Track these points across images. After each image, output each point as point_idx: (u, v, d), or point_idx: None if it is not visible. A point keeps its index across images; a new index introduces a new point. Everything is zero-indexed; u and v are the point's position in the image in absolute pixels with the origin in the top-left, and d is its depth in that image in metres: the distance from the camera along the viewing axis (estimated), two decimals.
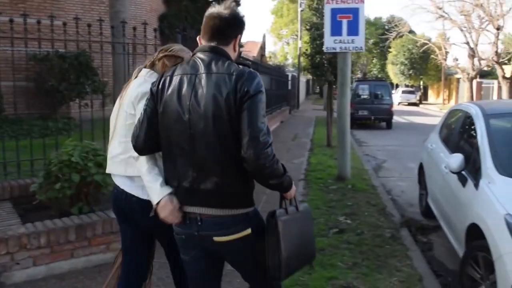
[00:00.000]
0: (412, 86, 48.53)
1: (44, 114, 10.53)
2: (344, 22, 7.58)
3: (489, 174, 3.93)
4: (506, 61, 28.21)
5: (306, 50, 12.39)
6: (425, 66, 42.49)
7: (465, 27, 28.73)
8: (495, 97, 32.06)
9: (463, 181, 4.31)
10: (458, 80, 39.30)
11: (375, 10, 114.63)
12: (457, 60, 33.59)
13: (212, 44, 2.23)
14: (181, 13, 17.25)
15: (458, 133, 5.36)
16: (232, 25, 2.28)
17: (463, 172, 4.35)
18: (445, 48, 34.66)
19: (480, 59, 29.49)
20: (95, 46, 5.68)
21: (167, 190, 2.24)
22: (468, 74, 30.97)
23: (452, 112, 6.15)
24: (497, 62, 26.28)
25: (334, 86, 11.75)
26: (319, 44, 10.68)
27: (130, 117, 2.56)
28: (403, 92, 43.95)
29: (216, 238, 2.19)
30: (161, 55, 2.71)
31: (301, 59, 21.72)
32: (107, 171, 2.78)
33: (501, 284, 3.26)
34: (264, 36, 48.54)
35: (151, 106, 2.28)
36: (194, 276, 2.42)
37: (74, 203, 4.54)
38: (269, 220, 2.25)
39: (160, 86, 2.26)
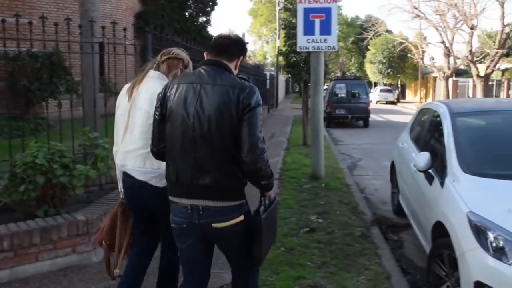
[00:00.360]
0: (390, 85, 49.03)
1: (16, 114, 10.34)
2: (317, 22, 7.60)
3: (454, 172, 3.97)
4: (480, 60, 28.67)
5: (281, 49, 12.41)
6: (402, 65, 42.94)
7: (440, 26, 29.11)
8: (470, 95, 32.56)
9: (430, 180, 4.36)
10: (434, 78, 39.84)
11: (352, 9, 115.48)
12: (433, 59, 34.06)
13: (215, 59, 2.59)
14: (158, 11, 17.12)
15: (426, 131, 5.41)
16: (237, 46, 2.66)
17: (430, 171, 4.40)
18: (421, 47, 35.06)
19: (455, 58, 29.92)
20: (65, 46, 5.59)
21: None
22: (444, 73, 31.40)
23: (421, 111, 6.21)
24: (472, 61, 26.69)
25: (309, 85, 11.78)
26: (294, 43, 10.69)
27: (152, 117, 2.71)
28: (381, 90, 44.37)
29: (214, 225, 2.52)
30: (164, 57, 3.01)
31: (280, 58, 21.73)
32: (119, 162, 3.03)
33: (464, 281, 3.30)
34: (243, 35, 48.50)
35: (159, 112, 2.60)
36: (188, 263, 2.75)
37: (40, 206, 4.45)
38: (255, 218, 2.61)
39: (167, 94, 2.57)
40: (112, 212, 3.20)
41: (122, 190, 3.17)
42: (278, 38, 28.83)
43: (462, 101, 8.20)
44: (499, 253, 3.10)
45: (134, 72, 6.18)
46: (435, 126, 5.05)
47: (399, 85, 50.17)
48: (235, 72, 2.65)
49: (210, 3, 18.83)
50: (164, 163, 2.64)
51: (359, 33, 46.23)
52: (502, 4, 24.66)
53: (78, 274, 4.10)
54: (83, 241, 4.30)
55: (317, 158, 8.11)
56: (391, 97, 43.57)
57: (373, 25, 36.33)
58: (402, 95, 49.89)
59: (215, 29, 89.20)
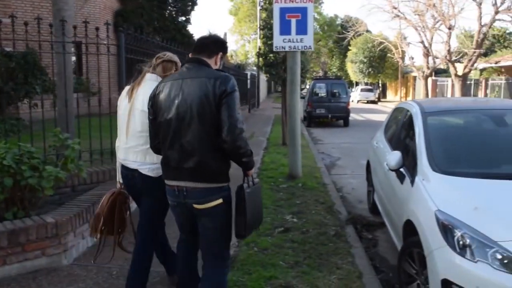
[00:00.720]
0: (371, 84, 49.40)
1: None
2: (293, 21, 7.60)
3: (424, 171, 4.00)
4: (459, 60, 29.04)
5: (260, 49, 12.41)
6: (383, 64, 43.30)
7: (419, 26, 29.39)
8: (449, 94, 32.95)
9: (401, 178, 4.39)
10: (414, 78, 40.23)
11: (332, 9, 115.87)
12: (412, 58, 34.39)
13: (196, 57, 2.97)
14: (138, 10, 16.98)
15: (399, 131, 5.45)
16: (215, 43, 3.05)
17: (401, 170, 4.43)
18: (401, 47, 35.37)
19: (434, 57, 30.25)
20: (43, 45, 5.51)
21: None
22: (424, 72, 31.73)
23: (395, 110, 6.26)
24: (450, 61, 27.01)
25: None
26: (272, 44, 10.69)
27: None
28: (362, 90, 44.70)
29: (195, 205, 2.88)
30: (159, 60, 3.33)
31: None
32: (121, 157, 3.44)
33: (432, 279, 3.32)
34: (225, 35, 48.34)
35: (151, 112, 3.00)
36: (181, 229, 3.26)
37: (8, 208, 4.37)
38: (238, 192, 2.96)
39: (156, 94, 2.97)
40: (111, 200, 3.54)
41: (121, 180, 3.55)
42: (260, 38, 28.82)
43: (435, 100, 8.27)
44: (465, 251, 3.13)
45: (111, 72, 6.13)
46: (408, 125, 5.08)
47: (380, 85, 50.57)
48: (216, 66, 3.01)
49: (190, 3, 18.75)
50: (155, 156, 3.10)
51: (339, 33, 46.47)
52: (479, 5, 25.00)
53: (48, 277, 4.04)
54: (52, 244, 4.23)
55: (294, 158, 8.12)
56: (372, 96, 43.92)
57: (353, 24, 36.53)
58: (383, 94, 50.33)
59: (195, 28, 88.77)
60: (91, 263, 4.33)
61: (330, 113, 19.62)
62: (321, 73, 63.87)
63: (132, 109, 3.30)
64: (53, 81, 9.70)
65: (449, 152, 4.34)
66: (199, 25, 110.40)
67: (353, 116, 23.65)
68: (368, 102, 42.84)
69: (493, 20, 25.24)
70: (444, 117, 5.01)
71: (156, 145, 3.04)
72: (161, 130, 2.92)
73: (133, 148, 3.30)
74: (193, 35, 18.31)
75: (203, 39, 3.07)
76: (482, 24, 25.41)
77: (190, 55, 2.99)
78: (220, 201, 2.86)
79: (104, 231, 3.60)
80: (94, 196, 5.10)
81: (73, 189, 5.47)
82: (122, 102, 3.45)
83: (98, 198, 5.00)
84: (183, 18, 18.52)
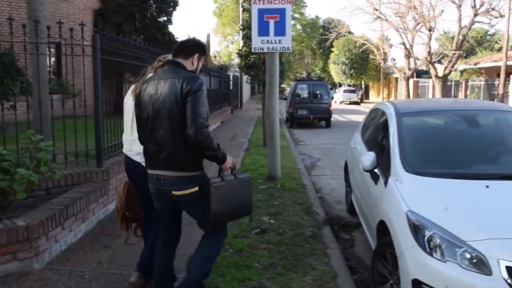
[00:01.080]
0: (353, 85, 49.67)
1: None
2: (271, 23, 7.60)
3: (397, 172, 4.03)
4: (439, 61, 29.37)
5: (239, 50, 12.40)
6: (365, 66, 43.57)
7: (401, 28, 29.67)
8: (430, 95, 33.28)
9: (375, 179, 4.41)
10: (396, 79, 40.58)
11: (314, 11, 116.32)
12: (394, 60, 34.70)
13: (174, 59, 3.31)
14: (118, 10, 16.83)
15: (375, 131, 5.48)
16: (191, 45, 3.38)
17: (376, 170, 4.45)
18: (383, 49, 35.65)
19: (415, 59, 30.55)
20: (19, 46, 5.44)
21: None
22: (405, 73, 32.02)
23: (372, 111, 6.29)
24: (430, 62, 27.30)
25: None
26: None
27: None
28: (345, 91, 44.97)
29: (174, 192, 3.18)
30: (160, 63, 3.47)
31: (239, 60, 21.81)
32: (127, 148, 3.76)
33: (403, 279, 3.34)
34: (208, 36, 48.13)
35: (136, 107, 3.34)
36: (162, 217, 3.48)
37: None
38: (204, 185, 3.18)
39: (141, 92, 3.31)
40: (126, 188, 3.80)
41: None
42: (241, 39, 28.81)
43: (411, 101, 8.35)
44: (435, 251, 3.15)
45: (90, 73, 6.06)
46: (383, 126, 5.12)
47: (362, 86, 50.90)
48: (192, 67, 3.33)
49: (172, 3, 18.63)
50: None
51: (322, 34, 46.68)
52: (459, 7, 25.32)
53: (19, 282, 3.97)
54: (23, 248, 4.16)
55: (273, 159, 8.11)
56: (355, 97, 44.22)
57: (335, 26, 36.72)
58: (366, 95, 50.67)
59: (178, 29, 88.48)
60: (63, 267, 4.30)
61: (312, 114, 19.68)
62: (304, 74, 64.05)
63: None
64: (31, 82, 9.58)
65: (422, 153, 4.37)
66: (181, 25, 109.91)
67: (335, 117, 23.78)
68: (351, 103, 43.10)
69: (472, 22, 25.59)
70: (418, 118, 5.05)
71: (140, 137, 3.37)
72: (142, 124, 3.28)
73: (136, 140, 3.51)
74: (175, 36, 18.19)
75: (181, 42, 3.43)
76: (462, 26, 25.75)
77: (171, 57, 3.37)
78: (196, 189, 3.17)
79: (130, 218, 3.86)
80: (68, 199, 5.04)
81: (48, 192, 5.38)
82: (128, 100, 3.78)
83: (72, 201, 4.96)
84: (165, 19, 18.39)
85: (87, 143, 5.99)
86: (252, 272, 4.15)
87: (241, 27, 12.73)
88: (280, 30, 7.61)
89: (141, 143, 3.37)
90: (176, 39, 18.59)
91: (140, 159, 3.56)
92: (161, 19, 18.41)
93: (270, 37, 7.63)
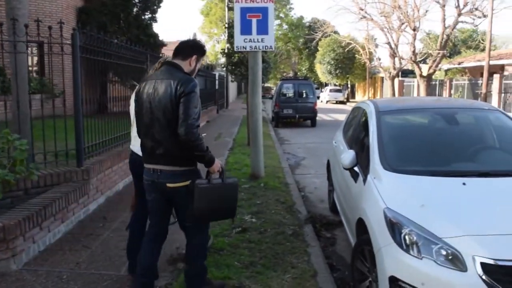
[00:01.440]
0: (340, 85, 49.87)
1: None
2: (254, 21, 7.58)
3: (376, 169, 4.04)
4: (424, 60, 29.60)
5: (223, 49, 12.37)
6: (351, 65, 43.75)
7: (386, 28, 29.82)
8: (415, 94, 33.52)
9: (355, 177, 4.42)
10: (382, 79, 40.79)
11: (299, 11, 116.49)
12: (379, 59, 34.84)
13: (171, 60, 3.54)
14: (101, 9, 16.67)
15: (355, 130, 5.50)
16: (190, 47, 3.57)
17: (355, 168, 4.46)
18: (368, 48, 35.82)
19: (400, 58, 30.74)
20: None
21: None
22: (390, 73, 32.20)
23: (354, 110, 6.31)
24: (415, 62, 27.50)
25: None
26: None
27: None
28: (331, 90, 45.15)
29: (168, 184, 3.37)
30: (160, 64, 3.68)
31: (223, 58, 21.74)
32: (132, 144, 4.01)
33: (380, 276, 3.35)
34: (194, 35, 48.12)
35: (136, 104, 3.53)
36: (152, 211, 3.61)
37: None
38: (191, 186, 3.35)
39: (140, 90, 3.49)
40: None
41: None
42: (227, 38, 28.76)
43: (392, 100, 8.38)
44: (412, 248, 3.16)
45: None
46: (363, 124, 5.13)
47: (349, 85, 51.11)
48: (190, 68, 3.52)
49: (156, 1, 18.48)
50: None
51: (307, 34, 46.79)
52: (443, 7, 25.54)
53: None
54: (0, 248, 4.10)
55: (256, 158, 8.11)
56: (341, 96, 44.40)
57: (321, 25, 36.81)
58: (352, 95, 50.89)
59: (162, 27, 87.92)
60: (41, 267, 4.25)
61: (297, 114, 19.72)
62: (291, 74, 64.15)
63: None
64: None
65: (401, 151, 4.39)
66: (167, 24, 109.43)
67: (321, 116, 23.86)
68: (337, 102, 43.28)
69: (456, 22, 25.82)
70: (398, 116, 5.08)
71: (138, 133, 3.57)
72: (140, 121, 3.48)
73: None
74: (159, 36, 18.04)
75: (180, 43, 3.59)
76: (446, 26, 25.98)
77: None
78: (188, 182, 3.36)
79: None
80: (47, 199, 4.98)
81: (26, 192, 5.32)
82: (133, 99, 3.88)
83: (51, 201, 4.90)
84: (149, 16, 18.24)
85: (67, 143, 5.92)
86: (232, 271, 4.14)
87: (226, 26, 12.67)
88: (263, 28, 7.59)
89: (139, 138, 3.57)
90: (161, 40, 18.45)
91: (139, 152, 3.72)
92: (145, 17, 18.24)
93: (252, 35, 7.62)
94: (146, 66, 9.03)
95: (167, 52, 15.44)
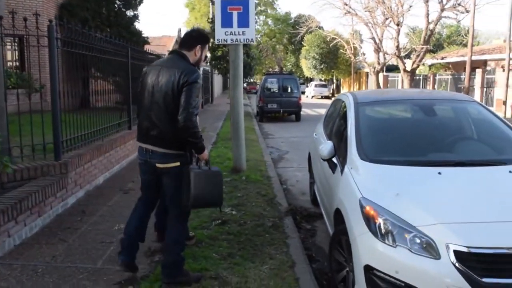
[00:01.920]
0: (325, 80, 50.02)
1: None
2: (235, 14, 7.55)
3: (353, 160, 4.04)
4: (408, 55, 29.80)
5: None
6: (336, 60, 43.87)
7: (370, 23, 29.93)
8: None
9: (333, 168, 4.42)
10: (367, 74, 40.99)
11: (285, 6, 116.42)
12: (364, 55, 34.98)
13: (177, 49, 3.76)
14: (83, 4, 16.47)
15: (335, 121, 5.50)
16: (193, 37, 3.78)
17: (334, 159, 4.47)
18: (353, 43, 35.93)
19: (385, 53, 30.89)
20: None
21: None
22: (375, 68, 32.35)
23: (334, 102, 6.32)
24: (398, 56, 27.66)
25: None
26: None
27: None
28: (316, 85, 45.27)
29: (158, 165, 3.64)
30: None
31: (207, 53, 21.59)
32: None
33: (356, 265, 3.36)
34: (179, 30, 47.76)
35: (140, 85, 3.81)
36: (143, 188, 3.96)
37: None
38: (185, 170, 3.62)
39: (144, 74, 3.77)
40: None
41: None
42: (210, 32, 28.61)
43: (371, 92, 8.42)
44: (386, 237, 3.17)
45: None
46: (342, 116, 5.14)
47: (334, 80, 51.28)
48: (195, 58, 3.75)
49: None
50: None
51: (293, 28, 46.81)
52: (426, 2, 25.69)
53: None
54: None
55: (238, 151, 8.08)
56: (326, 91, 44.55)
57: (306, 20, 36.83)
58: (337, 90, 51.06)
59: (146, 22, 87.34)
60: (16, 261, 4.19)
61: (282, 108, 19.75)
62: (277, 69, 64.17)
63: None
64: None
65: (378, 141, 4.41)
66: (151, 19, 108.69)
67: (305, 111, 23.91)
68: (322, 97, 43.41)
69: (439, 18, 26.01)
70: (376, 107, 5.09)
71: (138, 113, 3.88)
72: (141, 103, 3.73)
73: None
74: (142, 33, 17.85)
75: (185, 34, 3.82)
76: (429, 21, 26.15)
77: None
78: (177, 163, 3.60)
79: None
80: (23, 192, 4.91)
81: (2, 186, 5.24)
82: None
83: (27, 194, 4.84)
84: (131, 14, 18.05)
85: (44, 137, 5.84)
86: (209, 263, 4.12)
87: (209, 20, 12.60)
88: (244, 21, 7.56)
89: (138, 118, 3.86)
90: (144, 38, 18.26)
91: None
92: (128, 14, 18.06)
93: (233, 28, 7.58)
94: (127, 59, 8.95)
95: (152, 47, 15.34)
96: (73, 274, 3.96)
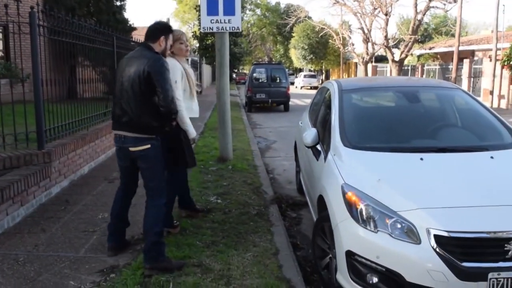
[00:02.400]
0: (314, 71, 49.99)
1: None
2: (220, 2, 7.47)
3: (336, 146, 4.04)
4: (396, 46, 29.84)
5: (194, 32, 12.22)
6: (324, 51, 43.83)
7: (359, 13, 29.90)
8: None
9: (317, 155, 4.42)
10: (356, 64, 41.04)
11: None
12: (353, 45, 34.94)
13: (144, 41, 3.95)
14: None
15: (320, 109, 5.49)
16: (157, 30, 3.95)
17: (317, 146, 4.46)
18: (342, 34, 35.89)
19: (373, 43, 30.90)
20: None
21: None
22: (363, 58, 32.37)
23: (319, 90, 6.30)
24: (387, 46, 27.69)
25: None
26: None
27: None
28: (305, 76, 45.19)
29: (131, 148, 3.80)
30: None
31: (194, 41, 21.38)
32: None
33: (338, 251, 3.37)
34: (168, 20, 47.38)
35: (116, 75, 4.00)
36: (122, 173, 4.14)
37: None
38: (179, 138, 4.33)
39: (118, 65, 4.03)
40: None
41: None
42: (198, 21, 28.41)
43: (356, 79, 8.41)
44: (368, 222, 3.18)
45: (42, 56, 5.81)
46: (326, 103, 5.12)
47: (323, 71, 51.28)
48: (160, 48, 3.91)
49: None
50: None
51: (282, 19, 46.65)
52: None
53: None
54: None
55: (224, 140, 8.05)
56: (315, 82, 44.50)
57: (294, 10, 36.70)
58: (327, 80, 51.08)
59: (135, 14, 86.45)
60: None
61: (270, 98, 19.70)
62: (267, 59, 64.01)
63: None
64: None
65: (362, 128, 4.40)
66: (140, 9, 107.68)
67: (294, 101, 23.91)
68: (311, 88, 43.35)
69: (428, 7, 26.05)
70: (360, 95, 5.09)
71: (112, 101, 4.09)
72: (114, 92, 3.94)
73: None
74: (129, 20, 17.69)
75: (148, 28, 3.97)
76: (418, 11, 26.18)
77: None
78: (148, 146, 3.76)
79: None
80: (5, 181, 4.85)
81: None
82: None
83: (9, 183, 4.78)
84: (119, 4, 17.85)
85: (27, 126, 5.77)
86: (192, 250, 4.10)
87: (197, 9, 12.49)
88: (229, 9, 7.50)
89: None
90: (131, 25, 18.11)
91: None
92: (115, 3, 17.87)
93: (219, 16, 7.52)
94: (113, 48, 8.86)
95: (140, 37, 15.19)
96: (54, 262, 3.93)
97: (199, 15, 12.05)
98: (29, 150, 5.75)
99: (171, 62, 4.26)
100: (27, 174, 5.19)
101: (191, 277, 3.61)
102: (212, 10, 7.50)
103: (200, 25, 11.77)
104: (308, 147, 4.51)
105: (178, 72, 4.47)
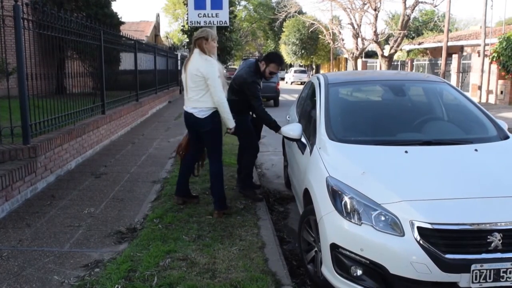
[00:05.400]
0: (304, 66, 50.00)
1: None
2: None
3: (322, 140, 4.04)
4: (386, 41, 29.92)
5: (183, 26, 12.14)
6: (315, 46, 43.84)
7: (348, 8, 29.94)
8: None
9: (303, 149, 4.42)
10: (346, 59, 41.14)
11: None
12: (343, 40, 34.96)
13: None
14: None
15: (306, 102, 5.49)
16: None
17: (303, 140, 4.46)
18: (332, 29, 35.93)
19: (363, 39, 30.97)
20: None
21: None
22: (353, 53, 32.44)
23: (307, 84, 6.30)
24: (376, 42, 27.76)
25: None
26: None
27: (196, 77, 4.75)
28: (296, 71, 45.20)
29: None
30: (194, 40, 4.88)
31: (184, 36, 21.23)
32: (185, 105, 4.97)
33: (323, 244, 3.37)
34: (157, 16, 47.10)
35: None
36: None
37: None
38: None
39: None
40: (187, 137, 5.31)
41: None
42: (186, 15, 28.28)
43: (343, 73, 8.36)
44: (352, 215, 3.18)
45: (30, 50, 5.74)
46: (313, 96, 5.12)
47: (313, 66, 51.31)
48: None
49: None
50: (206, 103, 4.79)
51: (273, 14, 46.60)
52: None
53: None
54: None
55: None
56: (305, 77, 44.46)
57: (285, 5, 36.66)
58: None
59: (125, 9, 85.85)
60: None
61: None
62: (257, 54, 63.86)
63: (188, 75, 4.81)
64: None
65: (347, 121, 4.41)
66: (130, 4, 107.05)
67: (284, 96, 23.89)
68: (301, 83, 43.37)
69: (417, 3, 26.13)
70: (346, 88, 5.09)
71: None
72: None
73: (191, 98, 4.84)
74: (118, 14, 17.55)
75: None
76: (407, 6, 26.26)
77: None
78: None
79: (182, 155, 5.42)
80: None
81: None
82: (182, 73, 4.96)
83: None
84: None
85: (11, 120, 5.72)
86: (178, 244, 4.09)
87: (185, 2, 12.41)
88: (217, 3, 7.43)
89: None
90: (119, 19, 17.98)
91: (191, 109, 4.85)
92: None
93: (206, 10, 7.45)
94: (100, 43, 8.80)
95: (129, 32, 15.12)
96: (39, 257, 3.89)
97: (187, 9, 11.99)
98: (14, 145, 5.69)
99: (214, 60, 4.84)
100: (12, 169, 5.14)
101: (176, 270, 3.60)
102: (199, 4, 7.44)
103: (188, 19, 11.74)
104: (293, 140, 4.50)
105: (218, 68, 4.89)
